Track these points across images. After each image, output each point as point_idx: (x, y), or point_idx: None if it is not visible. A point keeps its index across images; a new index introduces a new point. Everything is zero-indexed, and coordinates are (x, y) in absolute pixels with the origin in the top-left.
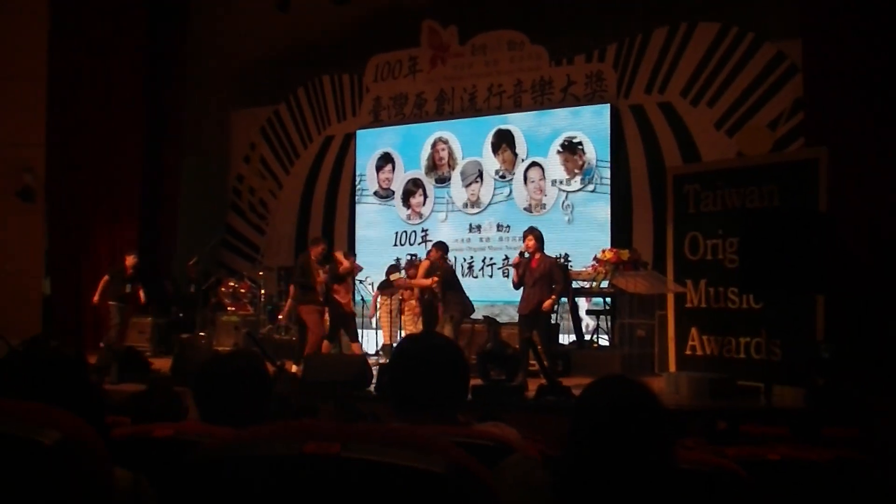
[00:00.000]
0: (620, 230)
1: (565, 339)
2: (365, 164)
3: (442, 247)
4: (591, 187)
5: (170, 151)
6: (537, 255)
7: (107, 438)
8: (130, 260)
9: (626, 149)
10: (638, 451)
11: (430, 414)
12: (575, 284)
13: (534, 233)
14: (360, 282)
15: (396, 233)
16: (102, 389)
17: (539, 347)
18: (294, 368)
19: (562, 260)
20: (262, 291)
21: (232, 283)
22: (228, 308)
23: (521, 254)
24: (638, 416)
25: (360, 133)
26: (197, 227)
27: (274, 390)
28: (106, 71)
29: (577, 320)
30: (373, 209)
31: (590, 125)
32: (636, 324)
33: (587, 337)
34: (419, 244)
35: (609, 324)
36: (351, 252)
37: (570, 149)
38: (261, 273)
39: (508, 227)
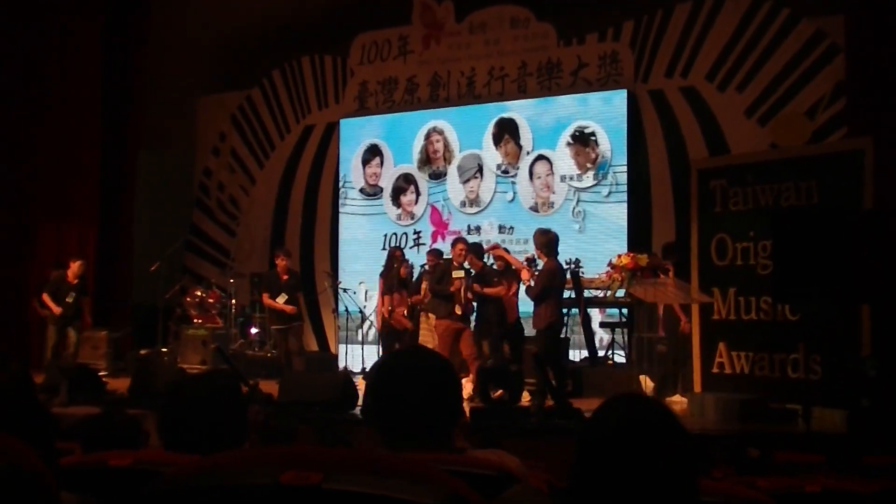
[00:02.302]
0: (638, 232)
1: (576, 355)
2: (349, 158)
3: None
4: (605, 184)
5: (129, 142)
6: (543, 262)
7: (56, 466)
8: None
9: (644, 140)
10: (655, 480)
11: (421, 440)
12: (587, 294)
13: (534, 238)
14: (345, 290)
15: (385, 235)
16: (50, 412)
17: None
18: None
19: (572, 266)
20: (233, 301)
21: (198, 292)
22: (195, 320)
23: (530, 262)
24: (654, 440)
25: (343, 122)
26: (159, 228)
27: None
28: (58, 54)
29: (589, 334)
30: (358, 208)
31: (604, 113)
32: (656, 338)
33: (601, 353)
34: (411, 248)
35: (625, 338)
36: (333, 258)
37: (582, 140)
38: (231, 280)
39: (512, 228)
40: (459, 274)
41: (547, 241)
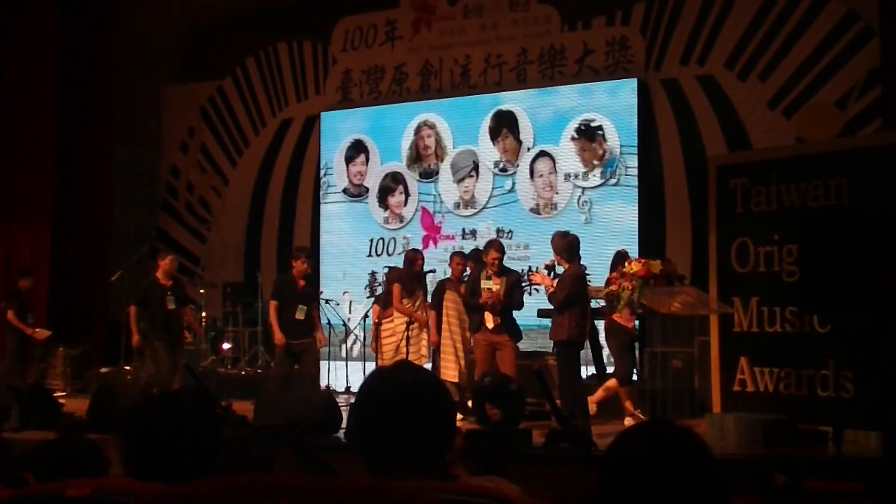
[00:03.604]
0: (650, 236)
1: (583, 371)
2: (332, 155)
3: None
4: (613, 182)
5: (92, 138)
6: (564, 268)
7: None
8: (304, 266)
9: (657, 134)
10: None
11: (411, 466)
12: (594, 304)
13: (553, 242)
14: (327, 302)
15: (371, 240)
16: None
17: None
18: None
19: None
20: (203, 314)
21: None
22: None
23: (549, 268)
24: (683, 471)
25: (325, 115)
26: (120, 233)
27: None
28: (10, 37)
29: (596, 348)
30: (341, 210)
31: (612, 105)
32: (671, 353)
33: (609, 369)
34: (399, 254)
35: (637, 353)
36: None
37: (588, 135)
38: (202, 291)
39: (511, 231)
40: (488, 284)
41: (567, 245)
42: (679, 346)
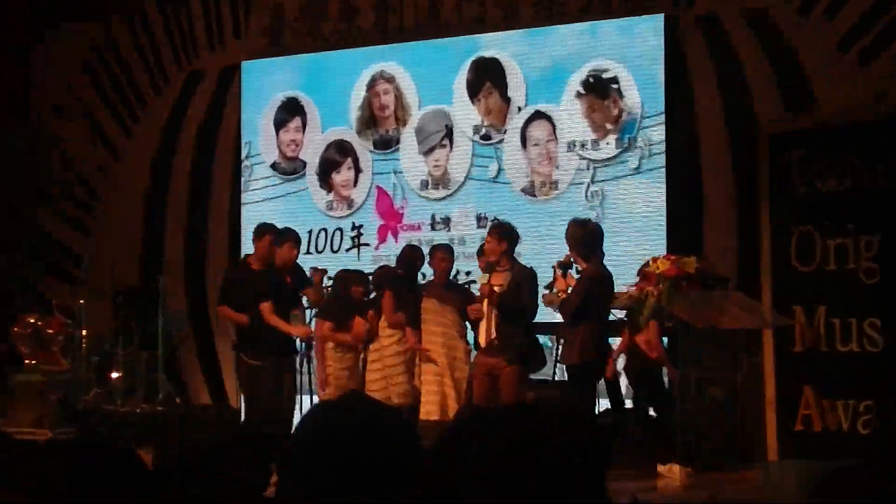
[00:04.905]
0: (682, 225)
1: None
2: (257, 118)
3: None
4: (633, 154)
5: None
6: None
7: None
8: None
9: (691, 89)
10: None
11: None
12: (609, 316)
13: (568, 233)
14: None
15: (310, 231)
16: None
17: None
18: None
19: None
20: (84, 332)
21: (33, 320)
22: (26, 360)
23: (564, 267)
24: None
25: (247, 66)
26: None
27: None
28: None
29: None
30: (271, 192)
31: (630, 51)
32: (709, 379)
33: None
34: (348, 250)
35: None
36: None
37: (599, 90)
38: (82, 301)
39: (496, 220)
40: (485, 279)
41: (586, 236)
42: (720, 371)
